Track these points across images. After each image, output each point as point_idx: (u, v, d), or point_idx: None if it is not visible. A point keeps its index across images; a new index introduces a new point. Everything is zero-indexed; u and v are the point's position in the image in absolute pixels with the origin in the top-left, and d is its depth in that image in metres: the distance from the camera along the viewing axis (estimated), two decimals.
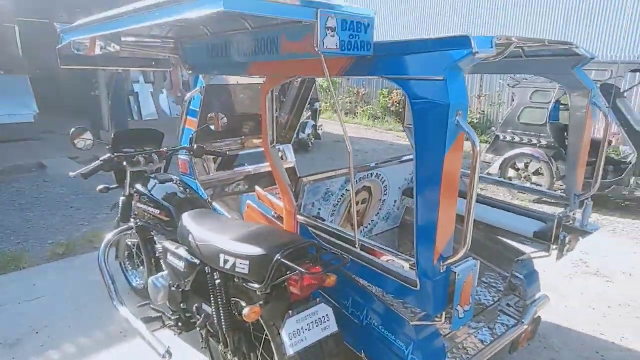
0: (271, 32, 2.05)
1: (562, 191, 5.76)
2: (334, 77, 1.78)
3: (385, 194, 3.13)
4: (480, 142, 1.65)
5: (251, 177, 4.10)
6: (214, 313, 2.16)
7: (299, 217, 2.40)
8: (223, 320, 2.11)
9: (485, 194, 3.37)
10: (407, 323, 2.01)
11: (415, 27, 14.16)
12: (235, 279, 2.07)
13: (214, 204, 3.56)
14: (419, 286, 1.79)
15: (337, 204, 2.82)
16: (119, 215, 3.04)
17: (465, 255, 1.72)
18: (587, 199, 2.55)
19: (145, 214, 2.74)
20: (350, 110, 15.15)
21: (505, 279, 2.82)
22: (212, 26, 2.41)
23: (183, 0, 1.50)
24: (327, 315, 1.95)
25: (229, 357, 2.19)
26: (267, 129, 2.33)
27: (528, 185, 6.20)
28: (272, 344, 1.94)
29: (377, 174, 2.95)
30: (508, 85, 7.33)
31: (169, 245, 2.48)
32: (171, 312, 2.62)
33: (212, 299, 2.16)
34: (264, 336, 2.06)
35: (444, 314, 1.83)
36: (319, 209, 2.69)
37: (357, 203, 2.96)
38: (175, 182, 2.83)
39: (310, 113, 9.73)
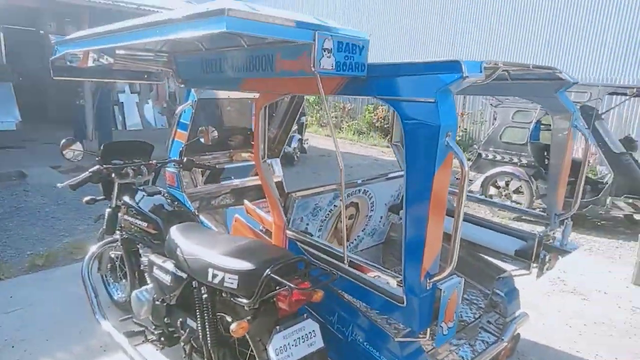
0: (266, 50, 2.08)
1: (541, 209, 5.89)
2: (328, 96, 1.83)
3: (372, 210, 3.17)
4: None
5: (237, 190, 4.10)
6: (199, 328, 2.14)
7: (288, 232, 2.42)
8: (208, 335, 2.10)
9: (466, 211, 3.44)
10: (391, 339, 2.03)
11: (405, 48, 14.38)
12: (223, 294, 2.06)
13: (200, 216, 3.55)
14: (405, 302, 1.82)
15: (325, 220, 2.84)
16: (104, 227, 3.00)
17: (451, 273, 1.76)
18: (567, 218, 2.62)
19: (132, 226, 2.72)
20: (336, 125, 15.28)
21: (486, 296, 2.87)
22: (208, 42, 2.44)
23: (187, 20, 1.53)
24: (313, 330, 1.96)
25: None
26: (259, 144, 2.36)
27: (508, 203, 6.33)
28: (257, 359, 1.94)
29: (364, 190, 2.99)
30: (491, 104, 7.51)
31: (155, 258, 2.46)
32: (154, 327, 2.58)
33: (197, 313, 2.14)
34: (249, 352, 2.06)
35: (428, 330, 1.86)
36: (307, 224, 2.72)
37: (346, 218, 2.99)
38: (163, 194, 2.82)
39: (296, 127, 9.78)
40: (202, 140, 3.35)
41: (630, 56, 10.42)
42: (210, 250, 2.08)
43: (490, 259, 2.88)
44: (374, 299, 1.99)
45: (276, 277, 1.82)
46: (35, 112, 10.34)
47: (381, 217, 3.31)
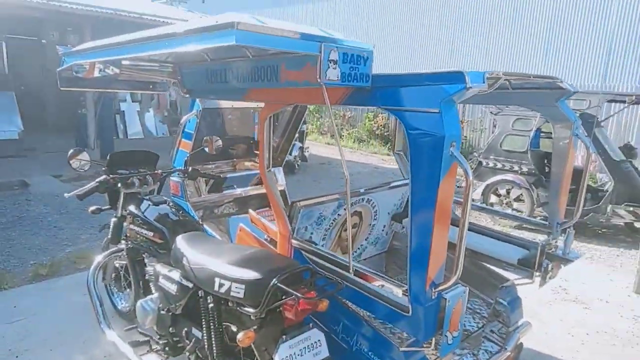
0: (271, 61, 2.11)
1: (542, 218, 5.89)
2: (333, 106, 1.85)
3: (375, 219, 3.18)
4: None
5: (240, 199, 4.12)
6: (205, 337, 2.14)
7: (293, 241, 2.43)
8: (214, 345, 2.10)
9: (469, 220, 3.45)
10: (396, 349, 2.03)
11: (404, 59, 14.45)
12: (229, 303, 2.07)
13: (204, 225, 3.57)
14: (410, 312, 1.83)
15: (329, 229, 2.86)
16: (109, 237, 3.01)
17: (456, 282, 1.77)
18: (569, 227, 2.64)
19: (138, 235, 2.74)
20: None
21: (488, 305, 2.86)
22: (213, 53, 2.47)
23: (197, 33, 1.55)
24: (319, 340, 1.97)
25: None
26: (264, 153, 2.38)
27: (509, 211, 6.34)
28: None
29: (368, 198, 3.01)
30: (491, 112, 7.53)
31: (161, 267, 2.47)
32: (158, 336, 2.58)
33: (203, 323, 2.15)
34: None
35: (433, 339, 1.87)
36: (311, 233, 2.73)
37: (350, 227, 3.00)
38: (168, 204, 2.83)
39: (297, 135, 9.82)
40: (206, 149, 3.37)
41: (628, 63, 10.49)
42: (217, 260, 2.09)
43: (492, 267, 2.88)
44: (379, 308, 2.00)
45: (283, 286, 1.83)
46: (36, 121, 10.40)
47: (384, 226, 3.32)
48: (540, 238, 2.67)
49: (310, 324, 2.00)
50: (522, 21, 12.06)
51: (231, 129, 3.98)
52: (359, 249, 3.28)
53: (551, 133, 6.40)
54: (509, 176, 6.74)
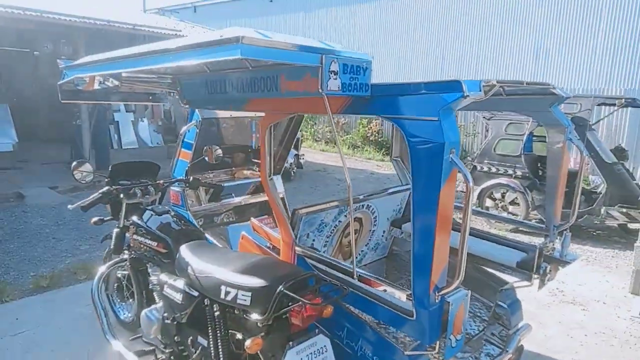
0: (271, 72, 2.14)
1: (537, 220, 5.94)
2: (334, 115, 1.89)
3: (375, 225, 3.22)
4: None
5: (239, 208, 4.15)
6: (211, 345, 2.15)
7: (297, 248, 2.46)
8: (220, 353, 2.11)
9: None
10: (401, 353, 2.05)
11: (394, 66, 14.55)
12: (235, 311, 2.09)
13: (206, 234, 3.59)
14: (414, 316, 1.86)
15: (330, 235, 2.89)
16: (111, 247, 3.02)
17: (458, 286, 1.81)
18: (565, 229, 2.69)
19: (142, 245, 2.75)
20: (330, 140, 15.38)
21: (488, 308, 2.89)
22: (213, 64, 2.51)
23: (203, 47, 1.59)
24: (325, 346, 1.99)
25: None
26: (265, 162, 2.41)
27: (505, 214, 6.40)
28: None
29: (367, 205, 3.05)
30: (484, 117, 7.62)
31: (166, 277, 2.48)
32: (163, 346, 2.59)
33: (209, 331, 2.16)
34: None
35: (437, 342, 1.90)
36: (313, 240, 2.76)
37: (350, 234, 3.04)
38: (171, 213, 2.86)
39: None
40: (206, 159, 3.40)
41: (617, 67, 10.65)
42: (222, 268, 2.11)
43: (491, 270, 2.92)
44: (383, 313, 2.03)
45: (289, 293, 1.85)
46: (30, 133, 10.38)
47: (384, 232, 3.36)
48: (536, 241, 2.72)
49: (317, 330, 2.03)
50: (512, 26, 12.21)
51: (229, 138, 4.01)
52: (359, 254, 3.31)
53: (544, 137, 6.50)
54: (504, 180, 6.80)
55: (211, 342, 2.15)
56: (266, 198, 3.88)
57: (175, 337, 2.46)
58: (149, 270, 2.78)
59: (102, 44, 9.65)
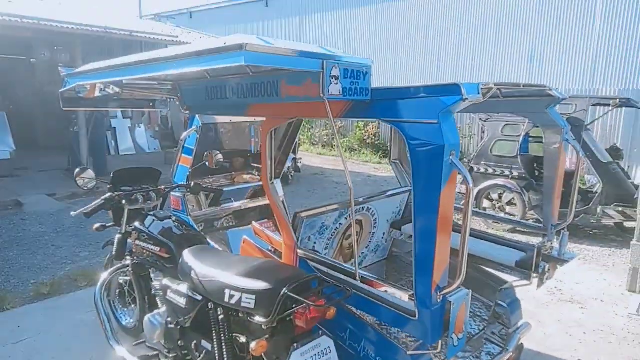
0: (271, 77, 2.17)
1: (534, 220, 5.97)
2: (335, 119, 1.92)
3: (375, 227, 3.25)
4: None
5: (238, 212, 4.17)
6: (215, 349, 2.17)
7: (299, 251, 2.48)
8: (225, 356, 2.13)
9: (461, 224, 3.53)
10: (403, 353, 2.08)
11: (391, 70, 14.61)
12: (239, 314, 2.11)
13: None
14: (417, 315, 1.88)
15: (331, 238, 2.91)
16: (113, 253, 3.03)
17: (459, 285, 1.84)
18: (563, 228, 2.72)
19: (144, 251, 2.77)
20: (327, 143, 15.41)
21: (488, 308, 2.92)
22: (214, 70, 2.53)
23: (206, 54, 1.62)
24: (329, 347, 2.01)
25: None
26: (266, 166, 2.44)
27: (502, 215, 6.44)
28: None
29: (367, 207, 3.08)
30: (480, 119, 7.67)
31: (169, 282, 2.50)
32: (167, 350, 2.60)
33: (213, 334, 2.17)
34: None
35: (440, 342, 1.92)
36: (314, 243, 2.78)
37: (350, 236, 3.07)
38: (172, 219, 2.88)
39: None
40: (207, 164, 3.42)
41: (611, 68, 10.75)
42: (226, 272, 2.13)
43: (490, 270, 2.94)
44: (386, 314, 2.05)
45: (293, 295, 1.88)
46: (27, 140, 10.39)
47: (384, 234, 3.39)
48: (533, 241, 2.75)
49: (320, 332, 2.05)
50: (506, 27, 12.29)
51: (228, 143, 4.04)
52: (359, 257, 3.33)
53: (540, 137, 6.55)
54: (501, 181, 6.85)
55: (215, 346, 2.17)
56: (265, 202, 3.92)
57: (179, 342, 2.47)
58: (152, 275, 2.80)
59: (99, 51, 9.73)
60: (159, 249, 2.66)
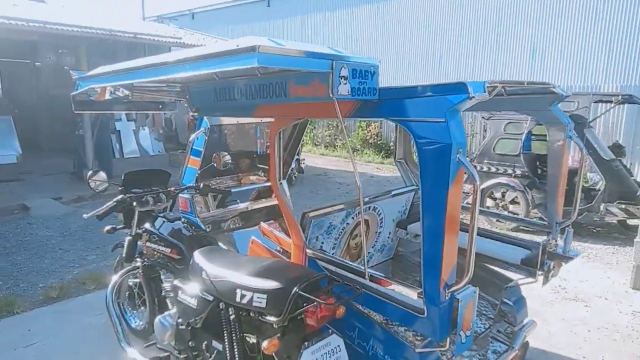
0: (280, 78, 2.20)
1: (538, 218, 5.97)
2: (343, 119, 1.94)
3: (381, 226, 3.27)
4: None
5: (245, 213, 4.19)
6: (227, 349, 2.18)
7: (308, 250, 2.50)
8: (237, 356, 2.15)
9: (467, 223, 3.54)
10: (411, 350, 2.10)
11: (393, 67, 14.61)
12: (251, 313, 2.13)
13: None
14: (425, 313, 1.91)
15: (338, 237, 2.94)
16: (123, 255, 3.05)
17: (467, 283, 1.87)
18: (567, 226, 2.74)
19: (155, 252, 2.79)
20: (329, 143, 15.44)
21: (494, 306, 2.94)
22: (223, 72, 2.55)
23: (219, 57, 1.65)
24: (338, 345, 2.03)
25: None
26: (274, 167, 2.46)
27: (505, 214, 6.45)
28: None
29: (374, 207, 3.10)
30: (482, 117, 7.68)
31: (180, 283, 2.52)
32: (178, 351, 2.60)
33: (224, 334, 2.19)
34: None
35: (448, 339, 1.95)
36: (322, 243, 2.81)
37: (357, 235, 3.09)
38: (182, 220, 2.90)
39: None
40: (215, 165, 3.45)
41: (613, 64, 10.74)
42: (237, 272, 2.15)
43: (496, 268, 2.96)
44: (394, 312, 2.07)
45: (304, 294, 1.90)
46: (32, 144, 10.43)
47: (389, 233, 3.41)
48: (536, 239, 2.77)
49: (330, 330, 2.07)
50: (508, 23, 12.29)
51: (235, 144, 4.07)
52: (366, 256, 3.36)
53: (542, 135, 6.57)
54: (504, 179, 6.86)
55: (226, 346, 2.18)
56: (270, 203, 3.95)
57: (190, 342, 2.48)
58: (162, 277, 2.82)
59: (103, 53, 9.77)
60: (169, 250, 2.69)
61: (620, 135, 10.05)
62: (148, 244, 2.86)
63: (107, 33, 8.83)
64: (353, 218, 2.96)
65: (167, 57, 1.94)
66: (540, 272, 2.66)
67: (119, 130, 10.75)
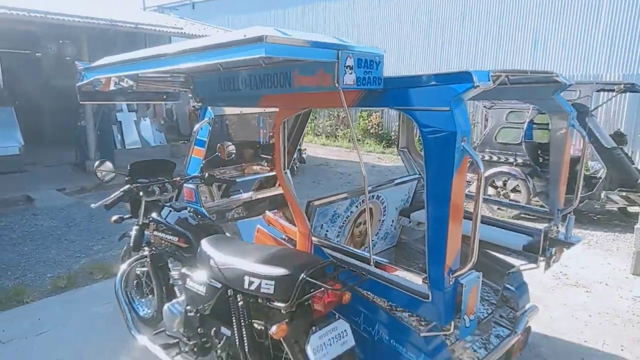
0: (284, 68, 2.21)
1: (540, 206, 6.00)
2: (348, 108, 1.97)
3: (384, 215, 3.31)
4: None
5: (248, 203, 4.23)
6: (236, 335, 2.23)
7: (313, 238, 2.54)
8: (245, 341, 2.19)
9: (470, 210, 3.58)
10: (416, 335, 2.14)
11: (396, 56, 14.53)
12: (259, 300, 2.16)
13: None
14: (430, 298, 1.95)
15: (343, 225, 2.98)
16: (131, 244, 3.08)
17: (471, 268, 1.90)
18: (569, 212, 2.77)
19: (163, 241, 2.83)
20: (331, 134, 15.44)
21: (496, 292, 2.98)
22: (227, 62, 2.56)
23: (226, 47, 1.67)
24: (345, 330, 2.07)
25: None
26: (279, 156, 2.49)
27: (507, 201, 6.49)
28: None
29: (377, 195, 3.14)
30: (484, 106, 7.68)
31: (188, 271, 2.56)
32: (187, 338, 2.65)
33: (233, 321, 2.24)
34: (284, 355, 2.15)
35: (452, 323, 1.99)
36: (327, 231, 2.85)
37: (361, 224, 3.13)
38: (188, 209, 2.94)
39: None
40: (219, 155, 3.47)
41: (615, 53, 10.70)
42: (244, 259, 2.19)
43: (498, 255, 2.99)
44: (400, 297, 2.11)
45: (311, 279, 1.94)
46: (34, 135, 10.42)
47: (392, 221, 3.45)
48: (538, 226, 2.80)
49: (336, 315, 2.12)
50: (511, 12, 12.21)
51: (238, 134, 4.08)
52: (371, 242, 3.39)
53: (544, 124, 6.58)
54: (505, 168, 6.89)
55: (235, 332, 2.23)
56: (274, 193, 3.98)
57: (199, 329, 2.52)
58: (170, 265, 2.86)
59: (105, 44, 9.72)
60: (177, 239, 2.73)
61: (622, 124, 10.05)
62: (155, 233, 2.90)
63: (108, 23, 8.79)
64: (357, 206, 3.00)
65: (174, 48, 1.95)
66: (542, 258, 2.69)
67: (120, 121, 10.72)
